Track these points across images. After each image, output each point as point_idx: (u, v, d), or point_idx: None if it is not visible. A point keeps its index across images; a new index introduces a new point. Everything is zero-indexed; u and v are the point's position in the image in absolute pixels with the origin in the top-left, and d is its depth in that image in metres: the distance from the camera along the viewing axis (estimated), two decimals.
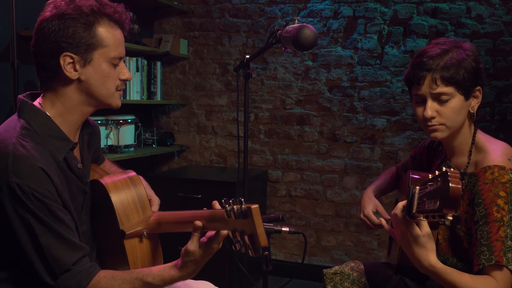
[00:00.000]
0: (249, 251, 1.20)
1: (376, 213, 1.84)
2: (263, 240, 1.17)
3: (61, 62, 1.35)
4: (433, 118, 1.49)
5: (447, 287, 1.36)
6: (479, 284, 1.35)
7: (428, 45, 1.55)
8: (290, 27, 1.77)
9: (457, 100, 1.48)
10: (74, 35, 1.34)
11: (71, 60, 1.36)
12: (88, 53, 1.36)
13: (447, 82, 1.46)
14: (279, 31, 1.84)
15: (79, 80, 1.38)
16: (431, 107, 1.49)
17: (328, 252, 3.54)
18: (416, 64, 1.51)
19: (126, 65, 3.13)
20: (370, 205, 1.86)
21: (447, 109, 1.48)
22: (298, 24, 1.75)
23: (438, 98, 1.48)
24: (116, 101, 1.47)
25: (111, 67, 1.41)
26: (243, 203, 1.19)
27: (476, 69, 1.49)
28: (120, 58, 1.44)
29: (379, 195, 1.96)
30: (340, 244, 3.51)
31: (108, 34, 1.38)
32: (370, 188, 1.95)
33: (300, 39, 1.71)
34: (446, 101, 1.48)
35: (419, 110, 1.53)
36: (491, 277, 1.36)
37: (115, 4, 1.43)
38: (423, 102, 1.51)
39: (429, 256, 1.31)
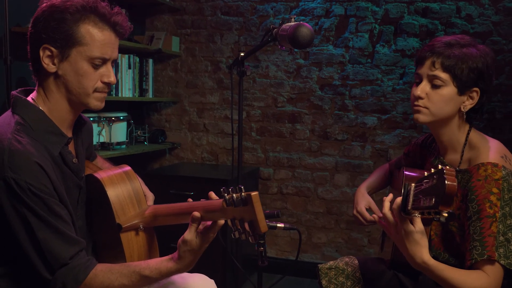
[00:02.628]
0: (249, 238, 1.24)
1: (369, 209, 1.86)
2: (263, 226, 1.20)
3: (41, 53, 1.36)
4: (420, 98, 1.54)
5: (439, 283, 1.38)
6: (471, 280, 1.37)
7: (450, 35, 1.59)
8: (287, 25, 1.78)
9: (449, 89, 1.51)
10: (56, 29, 1.34)
11: (50, 53, 1.36)
12: (66, 48, 1.36)
13: (444, 68, 1.50)
14: (275, 29, 1.84)
15: (57, 74, 1.38)
16: (422, 87, 1.54)
17: (319, 249, 3.56)
18: (426, 46, 1.56)
19: (118, 62, 3.17)
20: (363, 202, 1.88)
21: (436, 95, 1.52)
22: (295, 23, 1.76)
23: (432, 82, 1.52)
24: (94, 102, 1.43)
25: (89, 67, 1.38)
26: (243, 191, 1.21)
27: (481, 71, 1.50)
28: (104, 60, 1.40)
29: (372, 192, 1.98)
30: (331, 241, 3.53)
31: (92, 33, 1.36)
32: (363, 185, 1.97)
33: (297, 37, 1.72)
34: (439, 87, 1.51)
35: (414, 89, 1.57)
36: (483, 272, 1.39)
37: (107, 4, 1.41)
38: (420, 83, 1.56)
39: (422, 252, 1.33)
